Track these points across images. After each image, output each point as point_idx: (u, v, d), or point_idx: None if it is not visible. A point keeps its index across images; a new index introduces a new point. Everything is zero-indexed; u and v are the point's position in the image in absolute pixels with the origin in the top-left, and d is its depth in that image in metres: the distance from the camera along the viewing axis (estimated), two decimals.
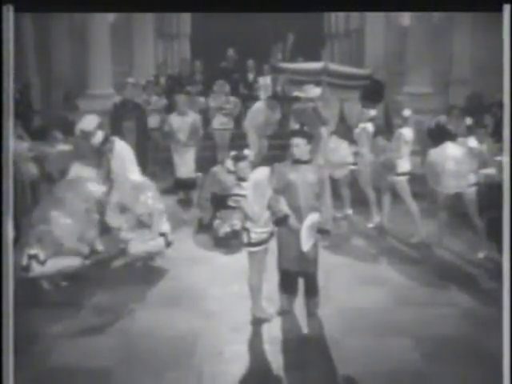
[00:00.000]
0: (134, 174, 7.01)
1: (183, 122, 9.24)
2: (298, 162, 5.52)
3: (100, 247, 7.28)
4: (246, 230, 5.51)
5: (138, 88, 10.91)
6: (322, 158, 7.82)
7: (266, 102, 10.39)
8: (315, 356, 5.07)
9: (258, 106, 10.42)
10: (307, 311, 5.75)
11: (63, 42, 12.91)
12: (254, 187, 5.45)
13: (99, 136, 7.29)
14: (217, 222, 7.72)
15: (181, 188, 9.47)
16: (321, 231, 5.49)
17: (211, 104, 10.69)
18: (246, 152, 6.32)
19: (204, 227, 8.02)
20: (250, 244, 5.51)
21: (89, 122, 7.51)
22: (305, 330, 5.54)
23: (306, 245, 5.37)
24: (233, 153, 6.49)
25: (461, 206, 7.39)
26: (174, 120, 9.27)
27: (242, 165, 6.08)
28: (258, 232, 5.47)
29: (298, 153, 5.51)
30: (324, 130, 8.82)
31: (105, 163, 7.35)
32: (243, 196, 5.54)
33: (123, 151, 7.38)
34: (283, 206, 5.43)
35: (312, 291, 5.73)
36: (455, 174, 7.02)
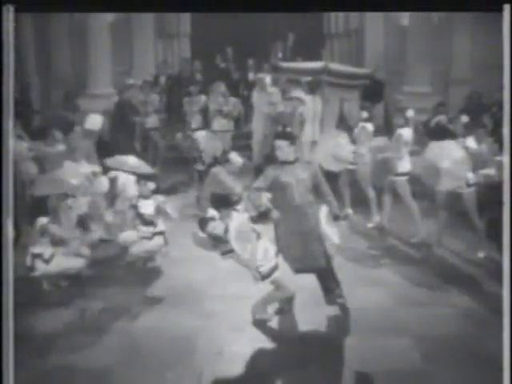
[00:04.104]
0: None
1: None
2: (285, 163, 5.55)
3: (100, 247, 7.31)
4: (255, 270, 5.41)
5: (138, 88, 10.92)
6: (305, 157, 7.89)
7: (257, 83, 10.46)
8: (315, 356, 5.07)
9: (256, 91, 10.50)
10: (325, 302, 5.75)
11: (63, 42, 12.91)
12: (236, 238, 5.41)
13: (105, 183, 7.35)
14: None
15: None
16: (335, 218, 5.65)
17: (210, 106, 10.67)
18: (211, 213, 6.08)
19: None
20: (264, 277, 5.42)
21: (93, 122, 7.54)
22: (305, 328, 5.54)
23: (335, 237, 5.55)
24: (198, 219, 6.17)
25: (461, 205, 7.38)
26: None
27: (212, 226, 5.80)
28: (263, 266, 5.38)
29: (281, 155, 5.55)
30: (305, 133, 8.91)
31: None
32: (231, 251, 5.48)
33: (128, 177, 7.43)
34: (265, 201, 5.44)
35: (326, 287, 5.72)
36: (451, 172, 7.01)
